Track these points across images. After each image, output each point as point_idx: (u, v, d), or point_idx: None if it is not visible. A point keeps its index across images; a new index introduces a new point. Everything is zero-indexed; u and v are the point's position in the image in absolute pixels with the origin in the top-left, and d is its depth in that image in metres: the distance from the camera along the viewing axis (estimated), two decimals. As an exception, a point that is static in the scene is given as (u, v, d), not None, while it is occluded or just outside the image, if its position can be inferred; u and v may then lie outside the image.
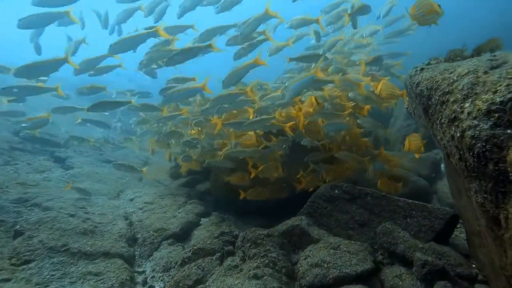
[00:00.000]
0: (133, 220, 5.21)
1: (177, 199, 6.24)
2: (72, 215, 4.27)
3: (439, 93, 1.96)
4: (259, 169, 4.72)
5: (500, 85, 1.59)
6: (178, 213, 5.64)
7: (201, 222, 5.62)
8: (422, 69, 2.33)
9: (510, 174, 1.25)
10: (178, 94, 4.25)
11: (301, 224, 3.94)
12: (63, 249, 3.38)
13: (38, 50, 6.35)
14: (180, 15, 5.37)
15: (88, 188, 5.88)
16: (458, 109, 1.72)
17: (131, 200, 6.15)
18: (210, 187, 6.64)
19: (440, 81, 1.99)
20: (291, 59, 5.03)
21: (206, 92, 4.53)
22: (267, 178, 4.94)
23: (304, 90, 4.53)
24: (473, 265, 2.94)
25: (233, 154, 4.97)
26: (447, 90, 1.89)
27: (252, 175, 4.88)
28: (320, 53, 5.33)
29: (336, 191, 4.21)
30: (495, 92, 1.59)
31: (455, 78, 1.87)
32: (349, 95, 4.56)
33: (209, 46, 4.01)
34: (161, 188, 7.03)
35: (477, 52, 2.22)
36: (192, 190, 7.11)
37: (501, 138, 1.48)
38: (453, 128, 1.74)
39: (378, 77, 4.84)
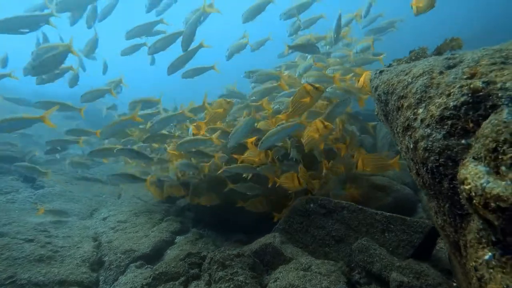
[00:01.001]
0: (102, 241, 4.89)
1: (153, 217, 5.93)
2: (29, 240, 3.95)
3: (395, 98, 1.72)
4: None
5: (453, 87, 1.35)
6: (152, 231, 5.33)
7: (176, 241, 5.31)
8: (381, 71, 2.10)
9: (461, 195, 1.01)
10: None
11: (274, 242, 3.67)
12: (8, 282, 3.07)
13: None
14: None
15: (58, 208, 5.56)
16: (412, 116, 1.49)
17: (104, 219, 5.82)
18: (189, 202, 6.35)
19: (395, 84, 1.76)
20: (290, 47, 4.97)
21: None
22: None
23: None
24: (454, 283, 2.67)
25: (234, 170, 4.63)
26: (401, 94, 1.66)
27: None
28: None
29: (312, 205, 3.94)
30: (448, 95, 1.36)
31: (409, 80, 1.64)
32: (327, 90, 4.28)
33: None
34: (138, 205, 6.71)
35: (438, 51, 2.00)
36: (172, 206, 6.80)
37: (455, 149, 1.23)
38: (406, 138, 1.49)
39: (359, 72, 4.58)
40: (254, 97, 5.00)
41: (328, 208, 3.84)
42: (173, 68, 4.34)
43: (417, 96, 1.50)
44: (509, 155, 0.84)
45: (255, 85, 4.78)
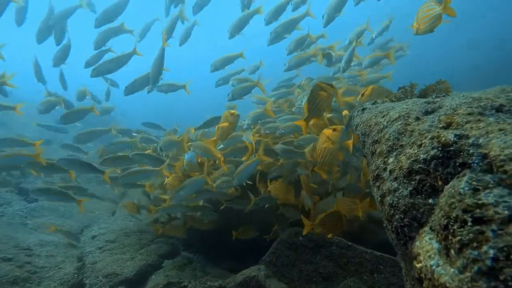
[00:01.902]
0: (86, 262, 4.76)
1: (143, 237, 5.79)
2: (7, 260, 3.85)
3: (370, 141, 1.61)
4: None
5: (426, 137, 1.24)
6: (139, 254, 5.18)
7: (163, 265, 5.15)
8: (364, 109, 2.00)
9: (419, 273, 0.87)
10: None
11: (258, 276, 3.49)
12: (-26, 306, 2.95)
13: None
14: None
15: (47, 224, 5.48)
16: (382, 165, 1.37)
17: (93, 237, 5.70)
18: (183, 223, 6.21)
19: (372, 126, 1.66)
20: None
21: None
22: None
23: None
24: None
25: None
26: (376, 138, 1.55)
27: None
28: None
29: (300, 238, 3.78)
30: (420, 146, 1.24)
31: (385, 123, 1.53)
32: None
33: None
34: (131, 224, 6.58)
35: (424, 92, 1.90)
36: (165, 225, 6.66)
37: (421, 210, 1.11)
38: (375, 189, 1.37)
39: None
40: (247, 121, 4.92)
41: (316, 242, 3.67)
42: (131, 89, 4.27)
43: (389, 143, 1.39)
44: (458, 238, 0.72)
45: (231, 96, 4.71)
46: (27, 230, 4.94)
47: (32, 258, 4.15)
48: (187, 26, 5.03)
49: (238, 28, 4.80)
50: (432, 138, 1.20)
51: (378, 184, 1.33)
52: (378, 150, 1.46)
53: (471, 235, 0.70)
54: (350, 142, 3.27)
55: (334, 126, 2.88)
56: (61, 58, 4.65)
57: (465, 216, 0.74)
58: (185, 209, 4.56)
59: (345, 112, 3.64)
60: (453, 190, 0.86)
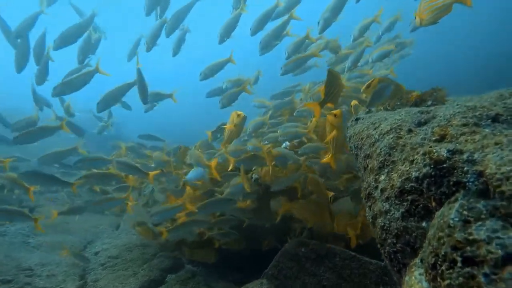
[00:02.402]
0: (88, 280, 4.70)
1: (146, 251, 5.72)
2: (7, 282, 3.81)
3: (362, 155, 1.53)
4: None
5: (418, 153, 1.16)
6: (142, 269, 5.11)
7: (167, 279, 5.07)
8: (357, 119, 1.92)
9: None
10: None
11: (260, 291, 3.39)
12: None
13: None
14: None
15: (50, 241, 5.45)
16: (373, 183, 1.29)
17: (96, 253, 5.66)
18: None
19: (364, 138, 1.57)
20: None
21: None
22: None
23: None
24: None
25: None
26: (368, 152, 1.46)
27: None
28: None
29: (303, 249, 3.67)
30: (412, 162, 1.16)
31: (377, 136, 1.45)
32: None
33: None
34: (134, 238, 6.52)
35: (420, 99, 1.82)
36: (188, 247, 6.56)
37: (414, 234, 1.02)
38: (367, 209, 1.29)
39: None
40: (249, 129, 4.80)
41: (319, 253, 3.56)
42: (103, 104, 4.10)
43: (380, 159, 1.31)
44: (446, 282, 0.64)
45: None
46: (29, 249, 4.90)
47: (32, 279, 4.10)
48: (179, 34, 4.90)
49: (228, 31, 4.61)
50: (424, 154, 1.12)
51: (370, 204, 1.25)
52: (369, 165, 1.37)
53: (461, 279, 0.62)
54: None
55: (333, 112, 2.69)
56: (43, 75, 4.44)
57: (455, 255, 0.66)
58: (204, 226, 4.26)
59: (354, 102, 3.51)
60: (442, 221, 0.78)
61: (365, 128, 1.63)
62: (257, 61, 5.74)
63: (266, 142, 3.97)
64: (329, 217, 3.68)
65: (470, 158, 1.02)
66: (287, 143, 4.06)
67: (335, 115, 2.69)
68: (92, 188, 5.39)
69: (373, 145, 1.44)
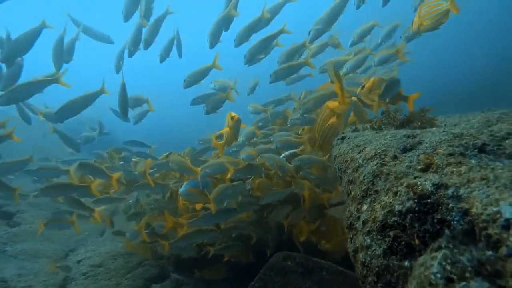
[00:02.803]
0: (68, 291, 4.55)
1: (131, 260, 5.58)
2: (-22, 295, 3.64)
3: (346, 179, 1.47)
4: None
5: (402, 184, 1.10)
6: (125, 279, 4.98)
7: (150, 290, 4.95)
8: (343, 138, 1.87)
9: None
10: None
11: (245, 306, 3.30)
12: None
13: None
14: None
15: (29, 249, 5.27)
16: (355, 213, 1.23)
17: (79, 262, 5.50)
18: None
19: (349, 161, 1.52)
20: None
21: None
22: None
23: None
24: None
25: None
26: (351, 177, 1.40)
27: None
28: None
29: (289, 263, 3.60)
30: (396, 193, 1.10)
31: (360, 161, 1.39)
32: None
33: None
34: (118, 245, 6.37)
35: (407, 120, 1.77)
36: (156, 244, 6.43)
37: (396, 274, 0.96)
38: (348, 241, 1.23)
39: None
40: (242, 138, 4.65)
41: (306, 267, 3.50)
42: (62, 114, 3.81)
43: (363, 187, 1.25)
44: None
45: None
46: (5, 258, 4.72)
47: (7, 291, 3.94)
48: (169, 39, 4.74)
49: (216, 35, 4.27)
50: (408, 187, 1.06)
51: (351, 235, 1.19)
52: (352, 193, 1.31)
53: None
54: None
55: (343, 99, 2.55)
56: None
57: (435, 322, 0.60)
58: (212, 236, 3.98)
59: (354, 98, 3.42)
60: (423, 275, 0.72)
61: (350, 150, 1.57)
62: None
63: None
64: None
65: (455, 194, 0.97)
66: (286, 153, 3.95)
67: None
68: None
69: (356, 170, 1.38)
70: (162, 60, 4.66)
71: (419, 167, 1.18)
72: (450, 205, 0.95)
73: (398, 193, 1.10)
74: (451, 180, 1.03)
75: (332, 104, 2.51)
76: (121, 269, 5.20)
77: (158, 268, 5.42)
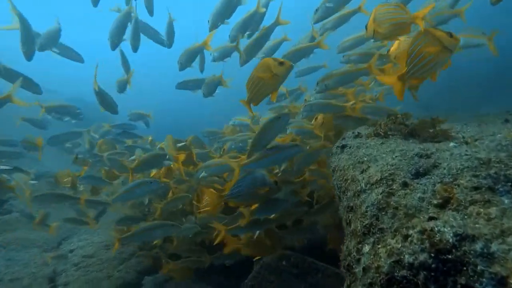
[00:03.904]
0: (58, 283, 4.45)
1: (124, 250, 5.46)
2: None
3: (345, 203, 1.25)
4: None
5: (414, 225, 0.88)
6: (117, 271, 4.87)
7: (143, 282, 4.86)
8: (343, 146, 1.63)
9: None
10: None
11: (237, 306, 3.18)
12: None
13: None
14: None
15: (20, 238, 5.15)
16: (355, 253, 1.01)
17: (71, 251, 5.39)
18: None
19: (349, 181, 1.29)
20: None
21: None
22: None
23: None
24: None
25: None
26: (351, 204, 1.18)
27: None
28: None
29: (284, 263, 3.46)
30: (406, 238, 0.88)
31: (363, 185, 1.17)
32: None
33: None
34: (113, 233, 6.25)
35: (417, 129, 1.53)
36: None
37: None
38: (345, 285, 1.02)
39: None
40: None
41: (301, 268, 3.35)
42: None
43: (366, 222, 1.03)
44: None
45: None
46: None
47: (-7, 284, 3.82)
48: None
49: (221, 17, 3.67)
50: (422, 232, 0.84)
51: (349, 281, 0.98)
52: (352, 224, 1.10)
53: None
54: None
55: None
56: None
57: None
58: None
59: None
60: None
61: (351, 166, 1.34)
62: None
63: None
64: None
65: (485, 251, 0.74)
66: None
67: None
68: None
69: (358, 196, 1.15)
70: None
71: (435, 201, 0.95)
72: (479, 268, 0.73)
73: (409, 239, 0.87)
74: (478, 228, 0.80)
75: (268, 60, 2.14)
76: (114, 260, 5.09)
77: (152, 258, 5.31)
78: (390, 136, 1.59)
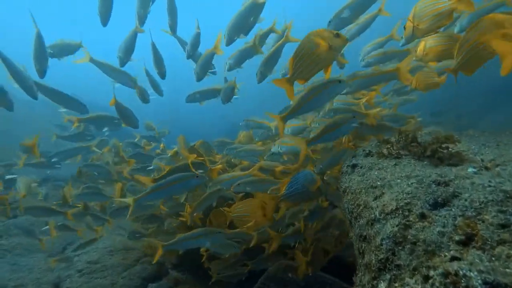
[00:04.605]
0: (62, 290, 4.43)
1: (129, 256, 5.44)
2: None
3: (357, 230, 1.19)
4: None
5: (436, 266, 0.81)
6: (121, 278, 4.84)
7: (147, 290, 4.82)
8: (354, 166, 1.57)
9: None
10: None
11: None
12: None
13: None
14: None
15: (25, 243, 5.15)
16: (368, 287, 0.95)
17: (76, 257, 5.37)
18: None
19: (362, 207, 1.23)
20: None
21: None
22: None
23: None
24: None
25: None
26: (364, 233, 1.12)
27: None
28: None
29: (290, 275, 3.39)
30: (426, 279, 0.82)
31: (377, 214, 1.10)
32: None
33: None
34: (117, 239, 6.23)
35: (429, 148, 1.45)
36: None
37: None
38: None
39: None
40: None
41: (307, 281, 3.27)
42: None
43: (381, 257, 0.96)
44: None
45: None
46: (0, 252, 4.59)
47: (-3, 291, 3.81)
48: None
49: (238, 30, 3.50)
50: (444, 276, 0.77)
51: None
52: (366, 256, 1.03)
53: None
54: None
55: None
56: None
57: None
58: None
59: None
60: None
61: (363, 190, 1.28)
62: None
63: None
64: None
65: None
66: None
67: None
68: None
69: (371, 224, 1.09)
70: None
71: (457, 238, 0.89)
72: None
73: (431, 281, 0.81)
74: (509, 273, 0.73)
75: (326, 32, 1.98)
76: (118, 267, 5.06)
77: (156, 265, 5.28)
78: (403, 156, 1.53)
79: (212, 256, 4.09)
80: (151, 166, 4.58)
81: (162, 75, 4.21)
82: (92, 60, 3.69)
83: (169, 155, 4.29)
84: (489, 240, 0.83)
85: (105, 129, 4.55)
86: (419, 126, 1.71)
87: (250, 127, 4.56)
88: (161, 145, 5.49)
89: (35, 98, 3.18)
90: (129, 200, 2.71)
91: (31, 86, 3.09)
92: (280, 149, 3.05)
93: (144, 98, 4.44)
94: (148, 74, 4.53)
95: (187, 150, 3.74)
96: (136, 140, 5.83)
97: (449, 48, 1.98)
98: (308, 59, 1.91)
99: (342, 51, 1.95)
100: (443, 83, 2.46)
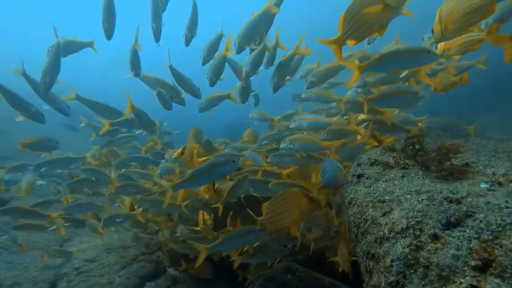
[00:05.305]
0: (59, 288, 4.39)
1: (126, 254, 5.41)
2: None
3: (364, 247, 1.14)
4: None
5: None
6: (118, 276, 4.81)
7: (144, 288, 4.79)
8: (360, 176, 1.52)
9: None
10: None
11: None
12: None
13: None
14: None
15: (21, 240, 5.09)
16: (378, 315, 0.91)
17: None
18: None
19: (369, 223, 1.18)
20: None
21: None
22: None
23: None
24: None
25: None
26: (372, 250, 1.08)
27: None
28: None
29: (289, 276, 3.36)
30: (440, 308, 0.77)
31: (386, 232, 1.06)
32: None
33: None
34: (115, 236, 6.19)
35: (438, 156, 1.41)
36: (153, 238, 6.25)
37: None
38: None
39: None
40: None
41: (307, 283, 3.25)
42: None
43: (391, 279, 0.92)
44: None
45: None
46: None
47: (-8, 290, 3.77)
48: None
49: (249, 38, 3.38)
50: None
51: None
52: (374, 277, 0.99)
53: None
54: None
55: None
56: None
57: None
58: None
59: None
60: None
61: (370, 204, 1.23)
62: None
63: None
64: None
65: None
66: None
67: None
68: None
69: (380, 243, 1.05)
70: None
71: (473, 263, 0.84)
72: None
73: (446, 311, 0.76)
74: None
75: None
76: (115, 265, 5.03)
77: (153, 264, 5.25)
78: (410, 167, 1.48)
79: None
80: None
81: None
82: (78, 98, 3.52)
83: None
84: (509, 267, 0.79)
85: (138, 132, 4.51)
86: (425, 132, 1.65)
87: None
88: (160, 146, 5.38)
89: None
90: (167, 184, 2.60)
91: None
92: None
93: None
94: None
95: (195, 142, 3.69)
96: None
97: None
98: (361, 19, 1.76)
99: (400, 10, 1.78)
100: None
